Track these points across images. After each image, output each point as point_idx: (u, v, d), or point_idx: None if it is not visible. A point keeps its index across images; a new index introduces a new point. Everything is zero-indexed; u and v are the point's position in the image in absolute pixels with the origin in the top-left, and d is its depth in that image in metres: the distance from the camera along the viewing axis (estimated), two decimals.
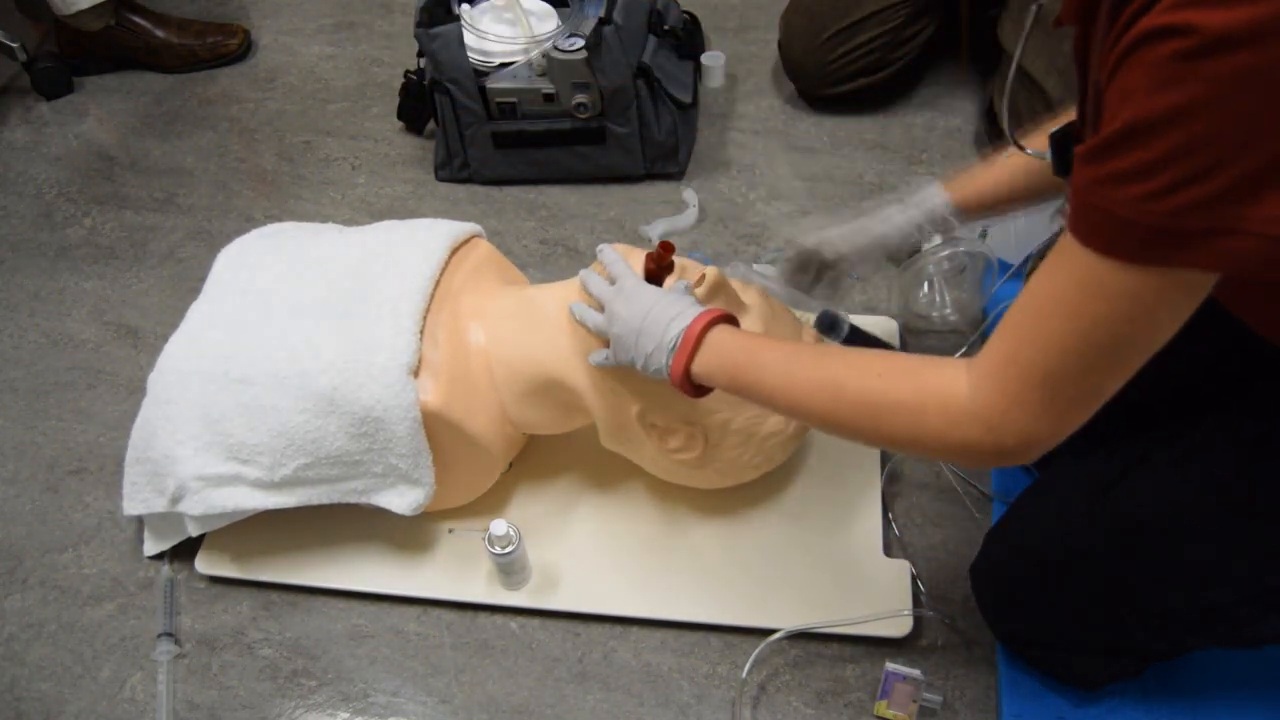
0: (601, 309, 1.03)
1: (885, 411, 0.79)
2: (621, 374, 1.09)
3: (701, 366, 0.93)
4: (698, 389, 0.95)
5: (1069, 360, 0.71)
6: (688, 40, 1.76)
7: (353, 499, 1.17)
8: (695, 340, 0.92)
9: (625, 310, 0.98)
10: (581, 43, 1.53)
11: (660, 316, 0.95)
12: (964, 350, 1.42)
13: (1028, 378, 0.72)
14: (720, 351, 0.92)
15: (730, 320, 0.96)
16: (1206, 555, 0.95)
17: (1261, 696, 1.08)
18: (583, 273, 1.08)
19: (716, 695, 1.14)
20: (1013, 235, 1.43)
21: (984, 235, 1.36)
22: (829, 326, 1.23)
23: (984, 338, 1.43)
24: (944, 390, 0.76)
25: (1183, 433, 1.00)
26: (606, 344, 1.04)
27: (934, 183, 1.19)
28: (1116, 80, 0.64)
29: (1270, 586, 0.94)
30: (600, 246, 1.08)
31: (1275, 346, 0.86)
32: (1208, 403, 1.00)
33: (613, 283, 1.03)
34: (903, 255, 1.23)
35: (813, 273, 1.24)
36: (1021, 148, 0.89)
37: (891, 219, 1.20)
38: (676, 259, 1.10)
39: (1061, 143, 0.81)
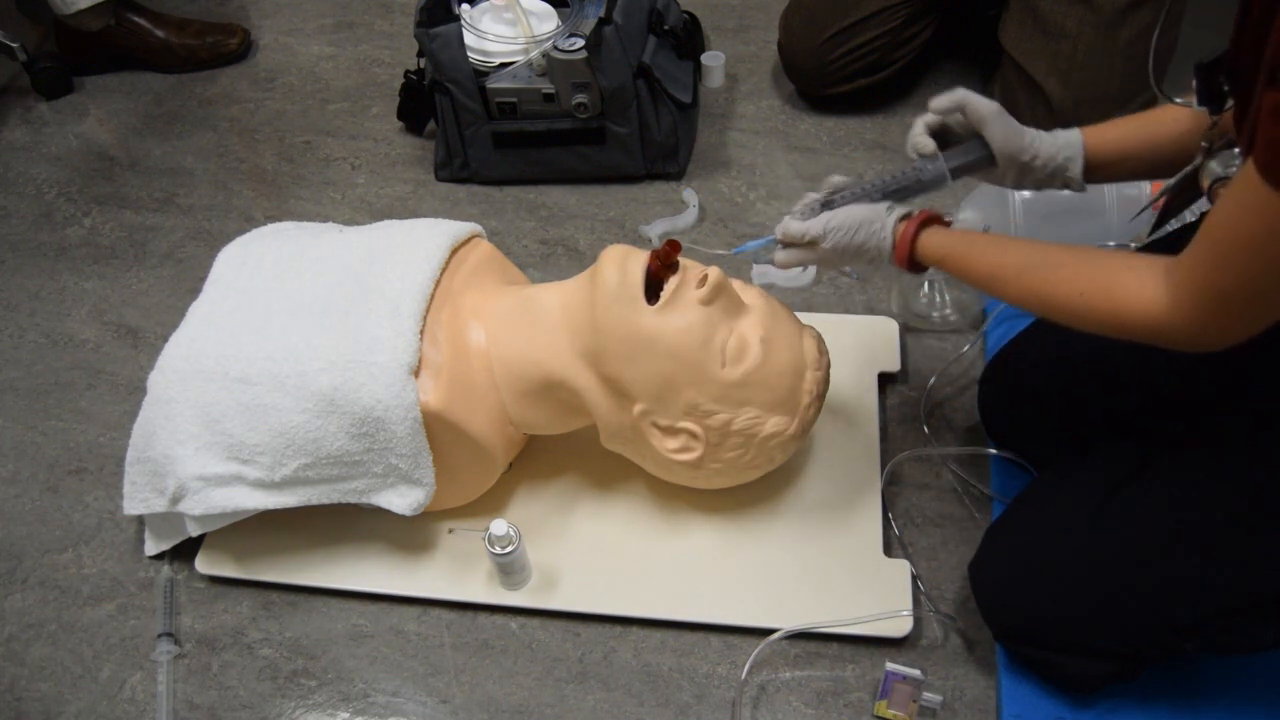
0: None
1: (1087, 318, 0.88)
2: (622, 375, 1.09)
3: (925, 242, 1.03)
4: (914, 264, 1.05)
5: (1271, 283, 0.73)
6: (688, 40, 1.76)
7: (353, 499, 1.17)
8: (919, 221, 1.04)
9: (838, 218, 1.07)
10: (581, 43, 1.53)
11: (874, 210, 1.07)
12: (965, 349, 1.42)
13: (1227, 299, 0.76)
14: (939, 234, 1.04)
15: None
16: (1204, 563, 0.95)
17: (1260, 698, 1.08)
18: (779, 227, 1.13)
19: (716, 695, 1.14)
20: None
21: None
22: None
23: (984, 339, 1.43)
24: (1143, 307, 0.82)
25: (1182, 441, 1.01)
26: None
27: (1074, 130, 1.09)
28: None
29: (1269, 594, 0.94)
30: (780, 226, 1.11)
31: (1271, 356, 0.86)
32: (1206, 411, 1.00)
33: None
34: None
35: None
36: (1163, 93, 0.90)
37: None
38: (682, 259, 1.10)
39: (1208, 73, 0.82)
